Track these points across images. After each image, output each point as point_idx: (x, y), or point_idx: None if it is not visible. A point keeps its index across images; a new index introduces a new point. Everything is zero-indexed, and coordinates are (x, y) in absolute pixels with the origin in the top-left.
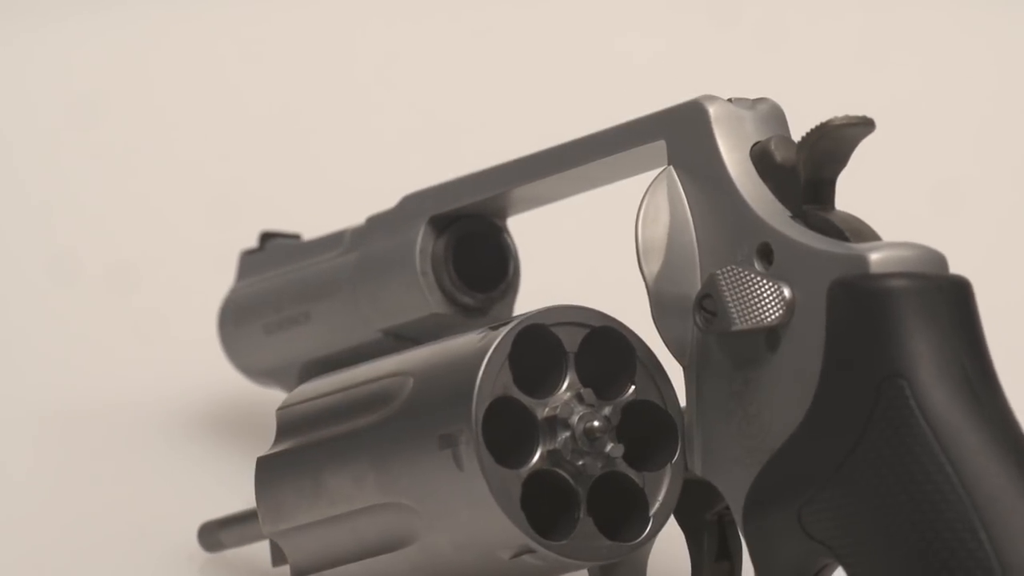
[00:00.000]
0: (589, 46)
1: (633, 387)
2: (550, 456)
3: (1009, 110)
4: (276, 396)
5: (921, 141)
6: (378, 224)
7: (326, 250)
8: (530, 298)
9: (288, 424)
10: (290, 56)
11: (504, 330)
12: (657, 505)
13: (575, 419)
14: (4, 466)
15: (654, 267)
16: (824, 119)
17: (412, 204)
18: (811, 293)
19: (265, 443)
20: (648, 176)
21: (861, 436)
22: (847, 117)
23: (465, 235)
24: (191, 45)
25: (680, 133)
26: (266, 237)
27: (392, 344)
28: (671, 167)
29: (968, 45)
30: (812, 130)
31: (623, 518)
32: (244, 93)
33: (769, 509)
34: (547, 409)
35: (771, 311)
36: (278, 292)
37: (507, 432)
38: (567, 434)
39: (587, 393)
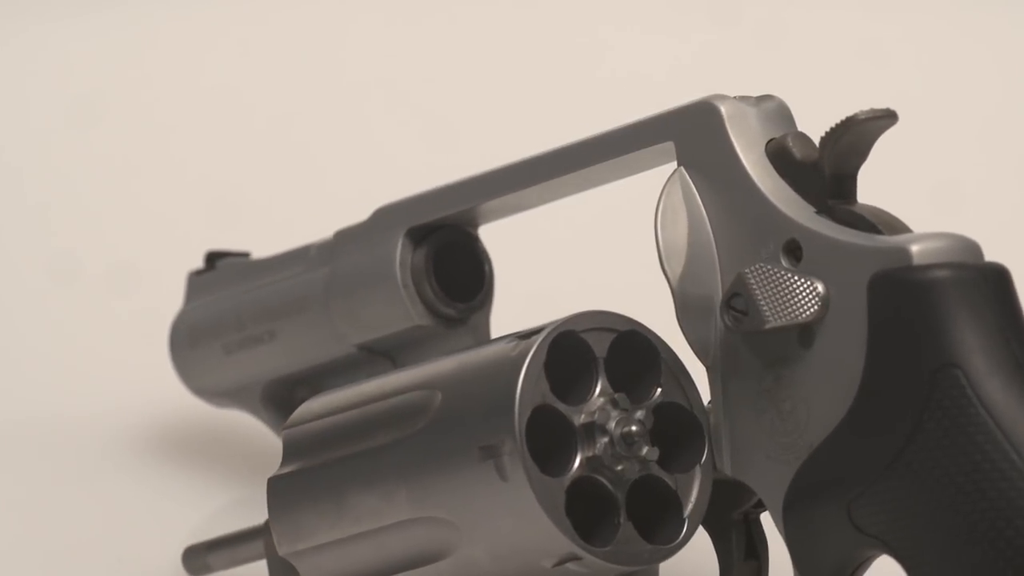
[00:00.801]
0: (588, 46)
1: (660, 389)
2: (589, 462)
3: (1010, 110)
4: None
5: (921, 141)
6: (349, 238)
7: (289, 267)
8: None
9: (298, 443)
10: (288, 56)
11: (539, 338)
12: (690, 506)
13: (612, 424)
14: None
15: (677, 269)
16: (822, 118)
17: (387, 216)
18: (848, 287)
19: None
20: (644, 176)
21: (916, 427)
22: (872, 110)
23: (444, 245)
24: (190, 45)
25: (690, 133)
26: (213, 257)
27: (367, 358)
28: (681, 168)
29: (968, 45)
30: (838, 125)
31: (657, 521)
32: (243, 93)
33: (813, 504)
34: (583, 416)
35: (806, 307)
36: (238, 311)
37: (546, 441)
38: (605, 439)
39: (621, 398)
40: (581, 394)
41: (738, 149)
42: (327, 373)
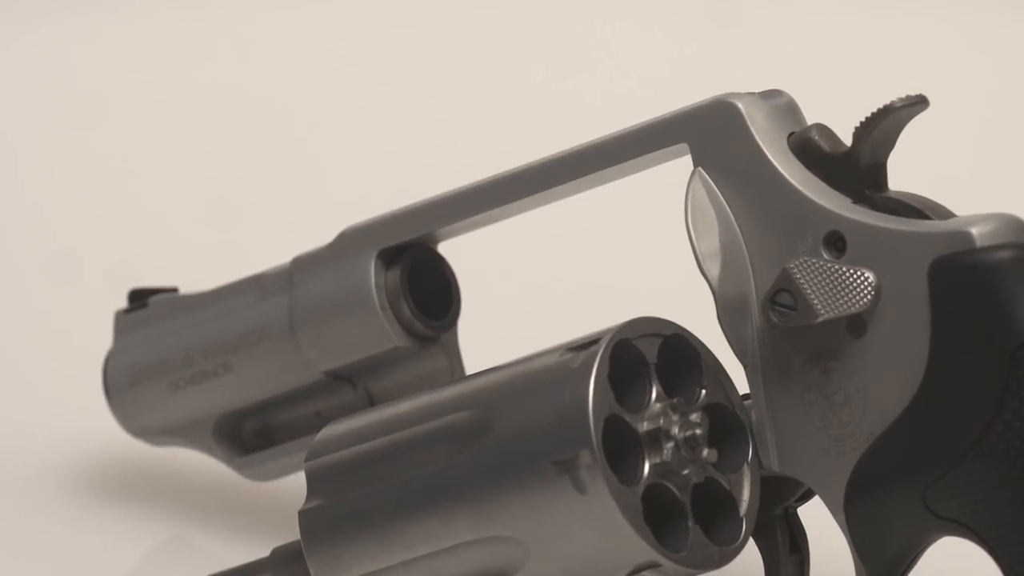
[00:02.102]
0: (587, 47)
1: (704, 390)
2: (657, 469)
3: (1010, 110)
4: None
5: (921, 141)
6: (311, 264)
7: (239, 298)
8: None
9: (327, 473)
10: (287, 56)
11: (600, 348)
12: (745, 505)
13: (675, 429)
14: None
15: (715, 270)
16: (822, 118)
17: (356, 238)
18: (903, 274)
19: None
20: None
21: (998, 409)
22: (907, 97)
23: (415, 264)
24: (190, 46)
25: (706, 133)
26: (140, 294)
27: (330, 384)
28: (699, 169)
29: (968, 45)
30: (875, 114)
31: (716, 523)
32: (243, 93)
33: (881, 492)
34: (646, 423)
35: (859, 298)
36: (185, 347)
37: (614, 450)
38: (670, 445)
39: (679, 402)
40: (639, 401)
41: (762, 145)
42: (284, 402)
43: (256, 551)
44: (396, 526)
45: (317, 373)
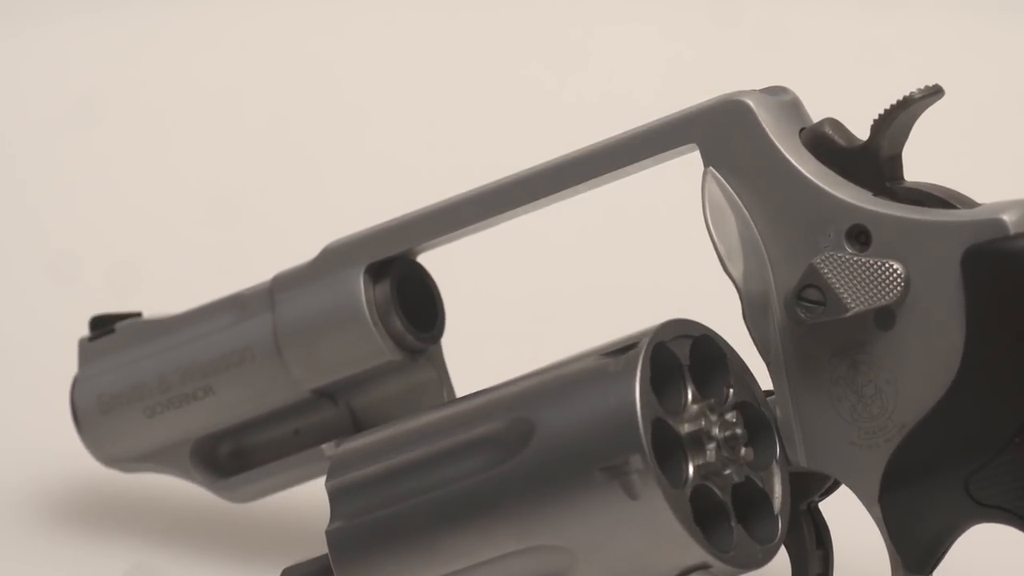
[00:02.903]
0: (587, 47)
1: (731, 390)
2: (700, 470)
3: (1009, 110)
4: None
5: (921, 141)
6: (295, 281)
7: (216, 319)
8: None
9: (353, 490)
10: (287, 56)
11: (641, 351)
12: (779, 503)
13: (716, 430)
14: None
15: (739, 269)
16: (818, 117)
17: (343, 254)
18: (934, 264)
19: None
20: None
21: None
22: (925, 88)
23: (402, 278)
24: (189, 45)
25: (717, 133)
26: (100, 321)
27: (314, 401)
28: (711, 168)
29: (968, 45)
30: (895, 105)
31: (753, 521)
32: (243, 93)
33: (920, 482)
34: (687, 425)
35: (889, 290)
36: (160, 371)
37: (659, 454)
38: (712, 446)
39: (716, 403)
40: (676, 403)
41: (776, 142)
42: (263, 422)
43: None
44: (434, 540)
45: (303, 391)
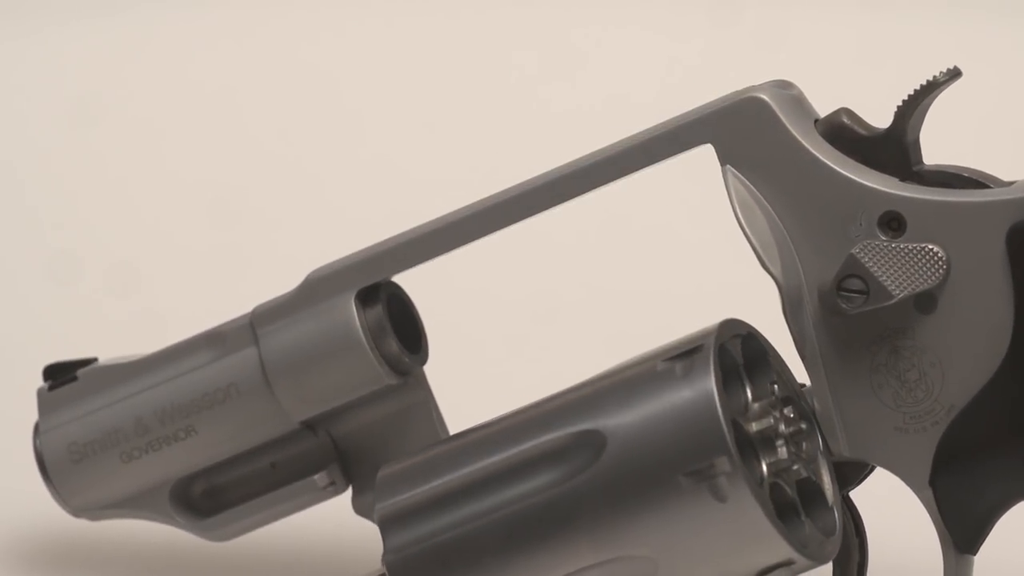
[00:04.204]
0: (587, 48)
1: (776, 385)
2: (771, 468)
3: (1009, 110)
4: None
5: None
6: (280, 313)
7: (195, 357)
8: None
9: (407, 515)
10: (286, 58)
11: (711, 353)
12: (831, 495)
13: (782, 427)
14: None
15: (776, 264)
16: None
17: (329, 282)
18: (975, 244)
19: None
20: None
21: None
22: (947, 71)
23: (389, 299)
24: (188, 46)
25: (734, 131)
26: (55, 369)
27: (295, 433)
28: (728, 167)
29: (967, 45)
30: (920, 90)
31: (811, 514)
32: (243, 94)
33: (974, 460)
34: (753, 424)
35: (932, 273)
36: (137, 415)
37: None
38: (780, 443)
39: (775, 400)
40: (739, 403)
41: (798, 136)
42: (240, 457)
43: None
44: (507, 562)
45: (292, 423)
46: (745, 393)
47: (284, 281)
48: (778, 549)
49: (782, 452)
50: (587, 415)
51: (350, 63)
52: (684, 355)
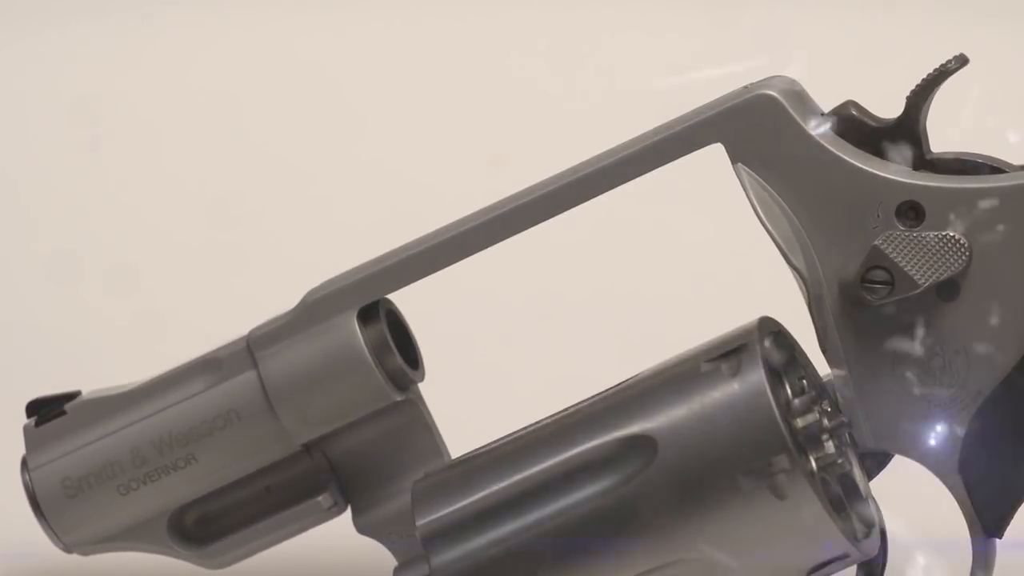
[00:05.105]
0: (586, 48)
1: (805, 381)
2: (819, 463)
3: (1008, 110)
4: None
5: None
6: (279, 335)
7: (190, 384)
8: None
9: (452, 531)
10: (285, 60)
11: (757, 352)
12: (863, 487)
13: (827, 422)
14: None
15: (800, 260)
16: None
17: (328, 301)
18: (998, 229)
19: None
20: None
21: None
22: (957, 58)
23: (385, 315)
24: (188, 47)
25: (745, 129)
26: (39, 404)
27: (299, 455)
28: (740, 165)
29: (967, 45)
30: (931, 78)
31: (852, 507)
32: (240, 96)
33: (1004, 445)
34: (799, 420)
35: (955, 260)
36: (133, 447)
37: None
38: (826, 438)
39: (814, 396)
40: (783, 400)
41: (810, 131)
42: (238, 483)
43: None
44: (560, 571)
45: (295, 446)
46: (786, 390)
47: (284, 281)
48: (836, 544)
49: (829, 447)
50: (633, 419)
51: (350, 64)
52: (729, 355)
